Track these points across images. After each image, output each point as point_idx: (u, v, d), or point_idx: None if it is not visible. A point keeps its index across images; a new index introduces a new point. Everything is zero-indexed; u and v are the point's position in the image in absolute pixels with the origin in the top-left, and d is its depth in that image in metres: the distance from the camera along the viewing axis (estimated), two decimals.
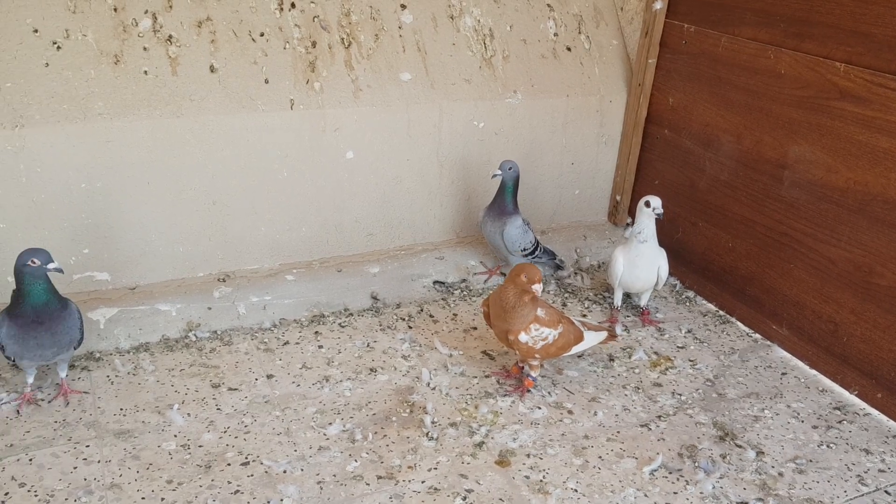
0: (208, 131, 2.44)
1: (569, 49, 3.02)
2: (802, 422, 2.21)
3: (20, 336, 1.94)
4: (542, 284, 2.05)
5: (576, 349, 2.23)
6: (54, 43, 2.28)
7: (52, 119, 2.25)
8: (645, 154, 3.11)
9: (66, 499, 1.76)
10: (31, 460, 1.87)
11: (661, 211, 2.47)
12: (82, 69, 2.30)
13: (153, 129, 2.37)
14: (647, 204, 2.47)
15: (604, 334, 2.30)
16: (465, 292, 2.79)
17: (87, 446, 1.92)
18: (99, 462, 1.88)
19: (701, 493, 1.92)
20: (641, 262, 2.53)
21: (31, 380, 2.07)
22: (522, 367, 2.27)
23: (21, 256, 1.91)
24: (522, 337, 2.12)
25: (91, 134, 2.30)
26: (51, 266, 1.92)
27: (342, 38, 2.64)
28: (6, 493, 1.76)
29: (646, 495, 1.90)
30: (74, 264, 2.39)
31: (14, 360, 1.99)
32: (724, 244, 2.76)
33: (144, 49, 2.38)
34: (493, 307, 2.18)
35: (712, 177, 2.77)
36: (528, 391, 2.24)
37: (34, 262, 1.90)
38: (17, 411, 2.03)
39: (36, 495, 1.77)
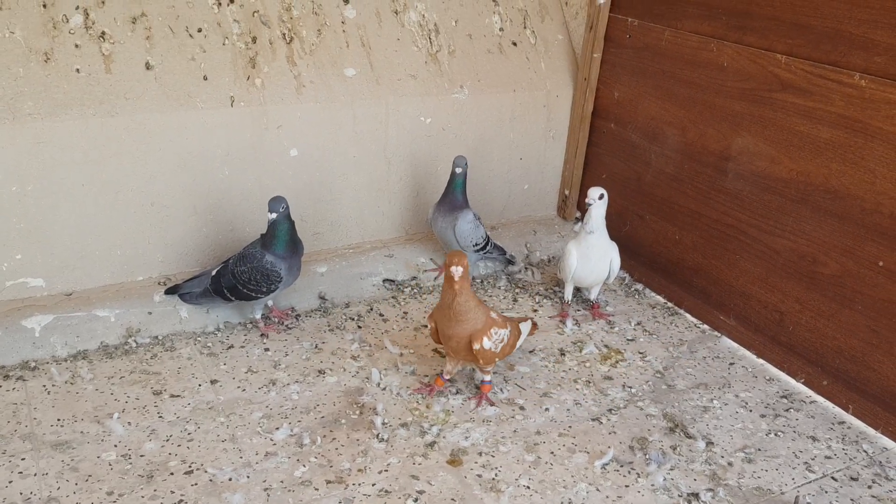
0: (145, 130, 2.36)
1: (514, 44, 3.00)
2: (751, 411, 2.24)
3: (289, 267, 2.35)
4: (461, 268, 1.94)
5: (518, 345, 2.20)
6: None
7: None
8: (592, 148, 3.11)
9: None
10: None
11: (589, 200, 2.45)
12: (10, 68, 2.21)
13: (86, 128, 2.28)
14: (587, 195, 2.48)
15: (529, 323, 2.29)
16: (415, 290, 2.76)
17: (23, 459, 1.84)
18: (35, 475, 1.80)
19: (652, 485, 1.92)
20: (594, 255, 2.52)
21: (260, 314, 2.45)
22: (449, 378, 2.20)
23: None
24: (486, 343, 2.03)
25: (21, 135, 2.20)
26: (270, 216, 2.28)
27: (283, 34, 2.58)
28: None
29: (598, 489, 1.89)
30: (7, 271, 2.29)
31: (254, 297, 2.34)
32: (671, 237, 2.77)
33: (76, 46, 2.29)
34: (440, 320, 2.07)
35: (658, 170, 2.79)
36: (487, 395, 2.20)
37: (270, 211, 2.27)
38: (264, 336, 2.43)
39: None
